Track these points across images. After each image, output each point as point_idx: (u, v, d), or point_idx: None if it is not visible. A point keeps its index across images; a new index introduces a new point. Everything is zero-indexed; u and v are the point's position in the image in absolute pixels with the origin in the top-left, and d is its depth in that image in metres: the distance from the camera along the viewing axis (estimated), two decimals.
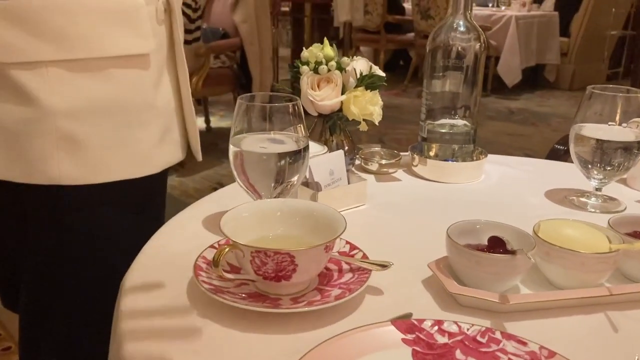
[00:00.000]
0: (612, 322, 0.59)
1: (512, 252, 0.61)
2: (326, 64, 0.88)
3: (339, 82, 0.87)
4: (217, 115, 4.65)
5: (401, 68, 6.28)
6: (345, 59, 0.90)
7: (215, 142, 4.00)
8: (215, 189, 0.99)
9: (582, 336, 0.57)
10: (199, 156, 0.97)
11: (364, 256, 0.67)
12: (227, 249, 0.57)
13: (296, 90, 0.91)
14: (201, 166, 3.51)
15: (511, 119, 4.77)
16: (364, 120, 0.91)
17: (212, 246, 0.67)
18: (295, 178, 0.71)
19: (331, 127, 0.93)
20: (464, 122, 1.02)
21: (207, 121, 4.22)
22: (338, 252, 0.67)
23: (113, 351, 0.56)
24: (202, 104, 4.06)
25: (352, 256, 0.67)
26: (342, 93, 0.89)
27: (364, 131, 0.94)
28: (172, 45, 0.89)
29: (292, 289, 0.61)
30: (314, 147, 0.85)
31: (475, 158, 1.02)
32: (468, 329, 0.54)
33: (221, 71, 3.57)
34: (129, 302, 0.60)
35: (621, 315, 0.61)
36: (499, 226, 0.67)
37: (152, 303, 0.60)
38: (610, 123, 0.86)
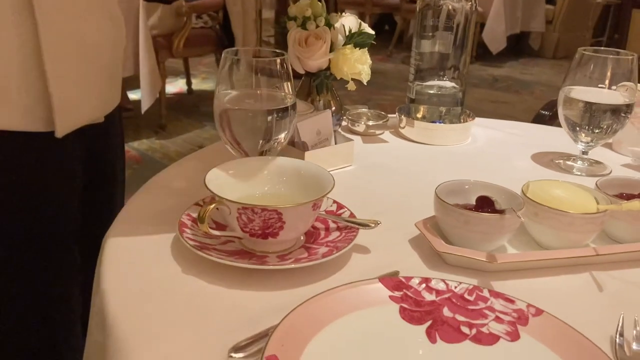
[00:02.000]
0: (597, 281, 0.60)
1: (501, 212, 0.61)
2: (314, 20, 0.85)
3: (327, 39, 0.84)
4: (198, 77, 4.57)
5: (386, 33, 6.21)
6: (334, 14, 0.87)
7: (196, 105, 3.95)
8: None
9: (568, 295, 0.58)
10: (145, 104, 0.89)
11: (352, 215, 0.66)
12: (213, 205, 0.56)
13: (281, 48, 0.88)
14: (183, 129, 3.47)
15: (495, 87, 4.77)
16: (352, 79, 0.89)
17: (196, 204, 0.66)
18: (282, 136, 0.69)
19: (318, 86, 0.91)
20: (453, 84, 1.01)
21: (189, 83, 4.15)
22: (325, 211, 0.66)
23: (95, 307, 0.55)
24: (184, 66, 3.98)
25: (340, 215, 0.66)
26: (330, 51, 0.86)
27: (347, 96, 0.92)
28: None
29: (279, 246, 0.60)
30: (300, 107, 0.84)
31: (462, 120, 1.01)
32: (456, 287, 0.54)
33: (203, 31, 3.50)
34: (111, 258, 0.59)
35: (606, 275, 0.61)
36: (488, 186, 0.66)
37: (135, 260, 0.59)
38: (600, 86, 0.85)
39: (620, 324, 0.51)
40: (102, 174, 0.90)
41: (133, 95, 3.58)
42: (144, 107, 3.05)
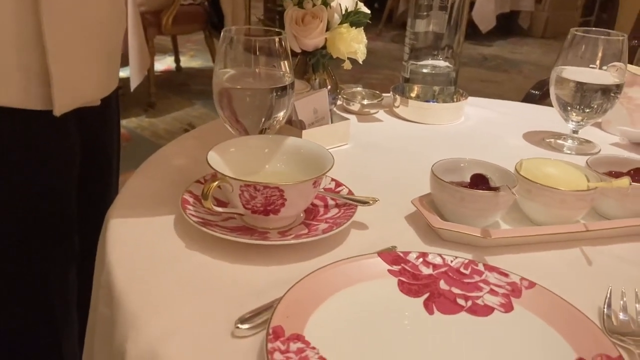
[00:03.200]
0: (587, 256, 0.62)
1: (495, 189, 0.63)
2: None
3: (324, 17, 0.85)
4: (187, 55, 4.53)
5: (375, 11, 6.15)
6: None
7: (185, 83, 3.92)
8: (186, 130, 0.97)
9: (559, 269, 0.60)
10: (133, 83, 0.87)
11: (350, 192, 0.68)
12: (216, 183, 0.57)
13: (273, 26, 0.89)
14: (172, 107, 3.45)
15: (484, 66, 4.78)
16: (347, 58, 0.90)
17: (197, 181, 0.67)
18: (282, 114, 0.70)
19: (314, 64, 0.91)
20: (446, 63, 1.02)
21: (177, 61, 4.11)
22: (324, 188, 0.68)
23: (102, 281, 0.57)
24: (172, 43, 3.94)
25: (338, 192, 0.68)
26: (327, 30, 0.87)
27: (338, 75, 0.93)
28: None
29: (280, 222, 0.61)
30: (297, 85, 0.84)
31: (456, 100, 1.03)
32: (452, 261, 0.56)
33: (192, 8, 3.45)
34: (114, 235, 0.60)
35: (595, 250, 0.63)
36: (482, 164, 0.68)
37: (139, 236, 0.60)
38: (591, 66, 0.87)
39: (608, 296, 0.53)
40: (98, 159, 0.90)
41: (121, 73, 3.53)
42: (133, 85, 3.02)
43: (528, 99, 1.52)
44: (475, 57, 4.97)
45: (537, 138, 0.96)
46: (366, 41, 0.91)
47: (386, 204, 0.68)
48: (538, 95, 1.49)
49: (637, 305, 0.52)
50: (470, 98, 1.06)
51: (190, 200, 0.63)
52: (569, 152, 0.91)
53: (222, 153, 0.63)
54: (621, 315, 0.51)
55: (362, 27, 0.90)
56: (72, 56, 0.73)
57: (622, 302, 0.53)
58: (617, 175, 0.69)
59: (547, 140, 0.95)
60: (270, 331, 0.44)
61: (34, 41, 0.68)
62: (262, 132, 0.70)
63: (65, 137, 0.78)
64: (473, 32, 5.33)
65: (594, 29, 0.88)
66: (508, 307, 0.51)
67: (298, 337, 0.45)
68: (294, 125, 0.83)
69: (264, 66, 0.70)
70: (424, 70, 1.02)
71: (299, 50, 0.89)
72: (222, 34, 0.69)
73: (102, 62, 0.79)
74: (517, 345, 0.48)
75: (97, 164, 0.90)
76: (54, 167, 0.78)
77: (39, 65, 0.69)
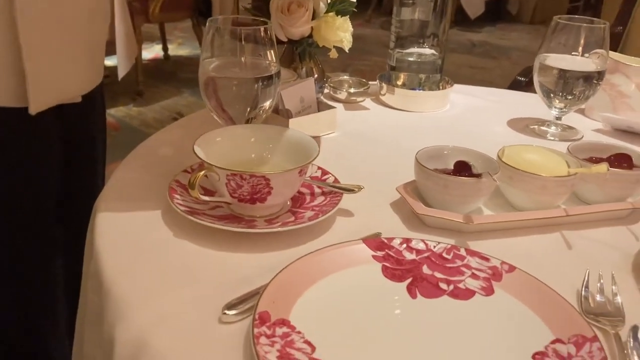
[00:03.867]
0: (567, 240, 0.64)
1: (477, 176, 0.64)
2: None
3: (309, 6, 0.85)
4: (175, 43, 4.50)
5: None
6: None
7: (173, 72, 3.90)
8: (175, 119, 0.97)
9: (540, 253, 0.61)
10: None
11: (335, 180, 0.69)
12: (203, 172, 0.58)
13: (261, 14, 0.89)
14: (160, 96, 3.43)
15: (473, 52, 4.78)
16: (333, 47, 0.90)
17: (184, 170, 0.68)
18: (268, 103, 0.71)
19: (301, 53, 0.92)
20: (432, 51, 1.03)
21: (165, 49, 4.08)
22: (310, 177, 0.69)
23: (90, 270, 0.57)
24: (160, 31, 3.91)
25: (324, 181, 0.69)
26: (313, 19, 0.87)
27: (327, 62, 0.93)
28: None
29: (267, 211, 0.62)
30: (284, 74, 0.85)
31: (441, 87, 1.04)
32: (434, 247, 0.57)
33: None
34: (103, 224, 0.61)
35: (575, 234, 0.65)
36: (465, 151, 0.69)
37: (127, 225, 0.61)
38: (573, 53, 0.88)
39: (586, 279, 0.55)
40: (82, 150, 0.90)
41: (109, 62, 3.51)
42: (121, 74, 3.01)
43: (514, 85, 1.54)
44: (464, 44, 4.98)
45: (521, 125, 0.98)
46: (352, 29, 0.91)
47: (371, 192, 0.69)
48: (524, 81, 1.50)
49: (613, 287, 0.54)
50: (455, 85, 1.07)
51: (178, 189, 0.64)
52: (552, 138, 0.92)
53: (208, 142, 0.63)
54: (598, 297, 0.53)
55: (348, 16, 0.90)
56: (49, 54, 0.72)
57: (599, 284, 0.54)
58: (598, 161, 0.70)
59: (531, 126, 0.96)
60: (257, 316, 0.45)
61: (8, 36, 0.67)
62: (248, 121, 0.71)
63: (44, 132, 0.78)
64: (462, 18, 5.33)
65: (576, 16, 0.89)
66: (489, 291, 0.53)
67: (284, 322, 0.47)
68: (281, 114, 0.84)
69: (250, 55, 0.70)
70: (410, 59, 1.03)
71: (285, 39, 0.90)
72: (207, 23, 0.69)
73: (83, 59, 0.79)
74: (497, 328, 0.49)
75: (82, 154, 0.90)
76: (31, 162, 0.78)
77: (14, 61, 0.68)
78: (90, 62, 0.81)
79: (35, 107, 0.71)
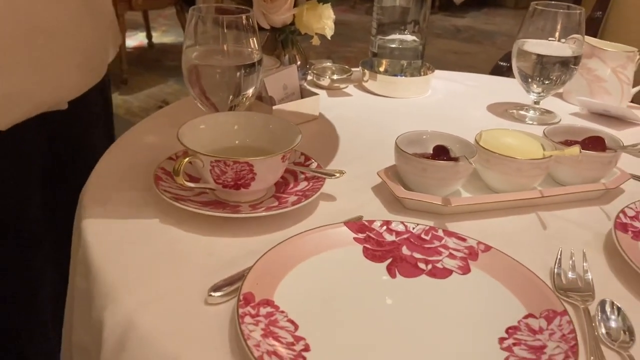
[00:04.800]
0: (542, 220, 0.66)
1: (455, 159, 0.66)
2: None
3: None
4: (159, 30, 4.47)
5: None
6: None
7: (158, 59, 3.88)
8: (160, 107, 0.97)
9: (515, 233, 0.64)
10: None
11: (318, 166, 0.70)
12: (187, 159, 0.59)
13: (245, 3, 0.90)
14: (145, 84, 3.42)
15: (457, 37, 4.80)
16: (316, 34, 0.91)
17: (169, 158, 0.69)
18: (251, 91, 0.72)
19: (283, 41, 0.93)
20: (413, 37, 1.04)
21: (149, 37, 4.05)
22: (294, 162, 0.70)
23: (79, 257, 0.59)
24: (143, 18, 3.88)
25: (307, 166, 0.70)
26: (295, 6, 0.88)
27: (312, 48, 0.94)
28: None
29: (251, 196, 0.64)
30: (266, 62, 0.86)
31: (423, 73, 1.05)
32: (413, 228, 0.59)
33: None
34: (89, 212, 0.62)
35: (550, 215, 0.67)
36: (444, 136, 0.71)
37: (114, 212, 0.62)
38: (550, 38, 0.90)
39: (558, 257, 0.57)
40: (68, 162, 0.87)
41: None
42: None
43: (496, 70, 1.56)
44: (449, 29, 4.99)
45: (500, 109, 1.00)
46: (334, 17, 0.92)
47: (353, 176, 0.71)
48: (506, 67, 1.52)
49: (584, 264, 0.56)
50: (437, 71, 1.09)
51: (163, 176, 0.65)
52: (530, 122, 0.94)
53: (192, 130, 0.64)
54: (570, 274, 0.55)
55: (330, 3, 0.91)
56: (21, 68, 0.69)
57: (571, 262, 0.56)
58: (572, 143, 0.72)
59: (510, 111, 0.98)
60: (241, 297, 0.47)
61: None
62: (231, 109, 0.72)
63: (19, 145, 0.76)
64: (446, 3, 5.34)
65: (554, 2, 0.91)
66: (465, 270, 0.55)
67: (268, 302, 0.48)
68: (264, 101, 0.85)
69: (232, 43, 0.71)
70: (392, 45, 1.04)
71: (267, 27, 0.91)
72: (189, 11, 0.70)
73: (66, 68, 0.76)
74: (473, 304, 0.51)
75: (79, 162, 0.84)
76: (6, 176, 0.76)
77: None
78: (76, 69, 0.78)
79: (4, 124, 0.69)
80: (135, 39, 4.20)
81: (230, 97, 0.71)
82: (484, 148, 0.68)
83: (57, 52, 0.74)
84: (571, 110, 1.01)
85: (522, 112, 0.97)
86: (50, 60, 0.73)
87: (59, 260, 0.70)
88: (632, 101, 1.03)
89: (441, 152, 0.67)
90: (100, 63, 0.86)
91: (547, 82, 0.91)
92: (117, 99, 3.17)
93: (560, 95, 1.06)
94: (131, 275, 0.53)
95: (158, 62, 3.83)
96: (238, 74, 0.70)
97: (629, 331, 0.48)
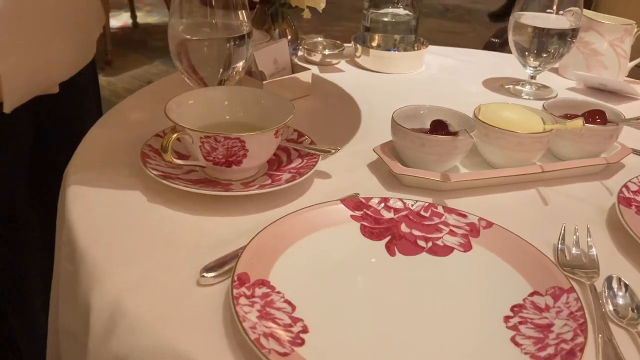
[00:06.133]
0: (543, 196, 0.64)
1: (454, 134, 0.64)
2: None
3: None
4: (143, 10, 4.37)
5: None
6: None
7: (143, 40, 3.80)
8: None
9: (516, 209, 0.62)
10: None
11: (312, 142, 0.68)
12: (175, 135, 0.56)
13: None
14: (130, 65, 3.35)
15: (446, 16, 4.76)
16: (307, 7, 0.88)
17: (157, 135, 0.66)
18: (240, 64, 0.69)
19: (273, 14, 0.90)
20: (406, 11, 1.01)
21: (134, 17, 3.97)
22: (286, 139, 0.68)
23: (63, 238, 0.56)
24: None
25: (300, 143, 0.68)
26: None
27: (301, 28, 0.91)
28: None
29: (243, 174, 0.61)
30: (256, 36, 0.83)
31: (416, 48, 1.03)
32: (412, 205, 0.57)
33: None
34: (74, 191, 0.59)
35: (551, 190, 0.65)
36: (442, 110, 0.69)
37: (99, 191, 0.59)
38: (548, 11, 0.88)
39: (562, 233, 0.55)
40: (57, 144, 0.85)
41: None
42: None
43: (488, 47, 1.53)
44: (437, 8, 4.94)
45: (496, 84, 0.97)
46: None
47: (349, 153, 0.68)
48: (498, 43, 1.50)
49: (588, 240, 0.54)
50: (430, 47, 1.06)
51: (150, 154, 0.62)
52: (527, 97, 0.92)
53: (180, 105, 0.62)
54: (574, 250, 0.54)
55: None
56: (21, 50, 0.68)
57: (575, 237, 0.55)
58: (572, 117, 0.70)
59: (506, 86, 0.96)
60: (236, 278, 0.45)
61: None
62: (221, 83, 0.69)
63: (8, 126, 0.75)
64: None
65: None
66: (467, 247, 0.53)
67: (263, 283, 0.46)
68: (254, 77, 0.82)
69: (221, 17, 0.68)
70: (385, 19, 1.01)
71: (257, 0, 0.87)
72: None
73: (55, 46, 0.74)
74: (476, 282, 0.49)
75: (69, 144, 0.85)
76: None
77: None
78: (69, 47, 0.77)
79: (10, 105, 0.68)
80: (119, 19, 4.11)
81: (220, 70, 0.68)
82: (483, 122, 0.66)
83: (47, 33, 0.72)
84: (568, 85, 0.99)
85: (518, 87, 0.95)
86: (42, 41, 0.72)
87: (48, 244, 0.68)
88: (628, 75, 1.02)
89: (439, 127, 0.65)
90: (90, 43, 0.83)
91: (544, 55, 0.89)
92: (101, 80, 3.09)
93: (556, 71, 1.04)
94: (118, 257, 0.50)
95: (143, 42, 3.76)
96: (227, 45, 0.67)
97: (637, 308, 0.47)
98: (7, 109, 0.69)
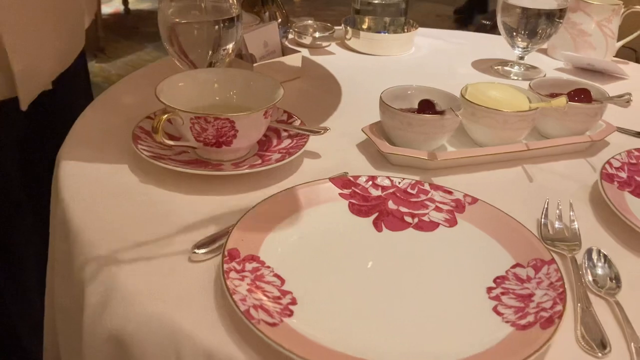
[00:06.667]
0: (528, 173, 0.65)
1: (441, 113, 0.65)
2: None
3: None
4: None
5: None
6: None
7: (135, 26, 3.78)
8: None
9: (502, 186, 0.63)
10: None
11: (302, 123, 0.69)
12: (166, 116, 0.57)
13: None
14: (123, 51, 3.34)
15: (439, 0, 4.74)
16: None
17: (148, 117, 0.67)
18: (230, 46, 0.70)
19: None
20: None
21: (125, 3, 3.94)
22: (276, 120, 0.69)
23: (57, 218, 0.57)
24: None
25: (290, 124, 0.69)
26: None
27: (291, 12, 0.91)
28: None
29: (233, 154, 0.62)
30: (246, 19, 0.83)
31: (406, 30, 1.03)
32: (399, 183, 0.58)
33: None
34: (67, 172, 0.60)
35: (536, 167, 0.67)
36: (430, 90, 0.70)
37: (92, 172, 0.60)
38: None
39: (545, 207, 0.57)
40: (48, 127, 0.85)
41: None
42: None
43: (480, 29, 1.54)
44: None
45: (485, 66, 0.98)
46: None
47: (338, 133, 0.69)
48: (489, 25, 1.50)
49: (571, 214, 0.56)
50: (420, 29, 1.07)
51: (142, 135, 0.63)
52: (515, 78, 0.93)
53: (171, 87, 0.62)
54: (556, 224, 0.55)
55: None
56: (33, 44, 0.70)
57: (557, 211, 0.56)
58: (558, 96, 0.71)
59: (495, 67, 0.97)
60: (226, 253, 0.46)
61: None
62: (210, 65, 0.70)
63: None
64: None
65: None
66: (452, 222, 0.54)
67: (253, 258, 0.47)
68: (245, 59, 0.83)
69: (210, 0, 0.69)
70: (375, 1, 1.02)
71: None
72: None
73: (52, 37, 0.75)
74: (460, 256, 0.51)
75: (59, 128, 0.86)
76: None
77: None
78: (63, 37, 0.78)
79: (26, 101, 0.71)
80: (111, 6, 4.08)
81: (210, 53, 0.69)
82: (469, 101, 0.67)
83: (41, 26, 0.73)
84: (556, 65, 1.00)
85: (507, 68, 0.96)
86: (39, 34, 0.73)
87: (43, 227, 0.69)
88: (616, 55, 1.03)
89: (427, 107, 0.66)
90: (81, 31, 0.84)
91: (532, 36, 0.90)
92: (94, 67, 3.10)
93: (544, 52, 1.05)
94: (111, 235, 0.51)
95: (135, 29, 3.74)
96: (217, 28, 0.68)
97: (616, 278, 0.48)
98: (24, 105, 0.72)
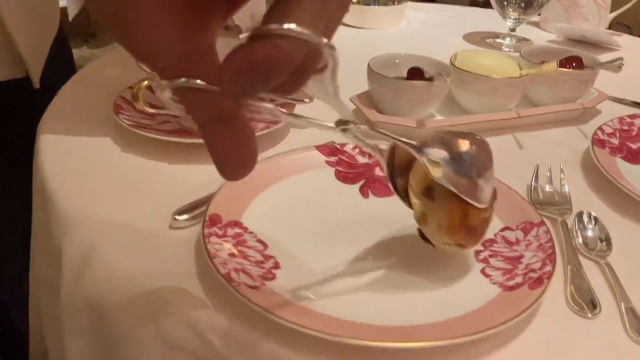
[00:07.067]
0: (519, 141, 0.64)
1: (430, 79, 0.63)
2: None
3: None
4: None
5: None
6: None
7: None
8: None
9: (493, 153, 0.62)
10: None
11: None
12: (146, 82, 0.56)
13: None
14: None
15: None
16: None
17: (130, 87, 0.65)
18: None
19: None
20: None
21: None
22: None
23: (36, 187, 0.56)
24: None
25: None
26: None
27: None
28: None
29: None
30: None
31: (396, 3, 1.02)
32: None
33: None
34: (47, 141, 0.59)
35: (527, 135, 0.65)
36: (418, 58, 0.68)
37: (72, 142, 0.59)
38: None
39: (535, 172, 0.56)
40: (28, 102, 0.84)
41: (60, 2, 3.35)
42: (72, 14, 2.86)
43: (472, 3, 1.52)
44: None
45: (477, 38, 0.97)
46: None
47: (325, 103, 0.68)
48: (482, 1, 1.48)
49: (562, 177, 0.55)
50: (413, 2, 1.05)
51: (124, 105, 0.62)
52: (507, 49, 0.92)
53: None
54: (547, 188, 0.54)
55: None
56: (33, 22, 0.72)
57: (548, 174, 0.55)
58: None
59: (487, 40, 0.95)
60: (207, 218, 0.45)
61: None
62: None
63: None
64: None
65: None
66: None
67: (236, 224, 0.46)
68: (231, 31, 0.81)
69: None
70: None
71: None
72: None
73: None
74: None
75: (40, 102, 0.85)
76: None
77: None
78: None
79: (37, 79, 0.73)
80: None
81: None
82: (458, 68, 0.65)
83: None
84: (548, 37, 0.99)
85: (498, 40, 0.94)
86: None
87: (28, 205, 0.68)
88: (609, 27, 1.01)
89: (416, 74, 0.65)
90: (54, 15, 0.82)
91: (523, 4, 0.88)
92: (85, 52, 3.06)
93: (537, 25, 1.03)
94: (91, 203, 0.50)
95: None
96: None
97: (606, 240, 0.47)
98: (36, 83, 0.73)
